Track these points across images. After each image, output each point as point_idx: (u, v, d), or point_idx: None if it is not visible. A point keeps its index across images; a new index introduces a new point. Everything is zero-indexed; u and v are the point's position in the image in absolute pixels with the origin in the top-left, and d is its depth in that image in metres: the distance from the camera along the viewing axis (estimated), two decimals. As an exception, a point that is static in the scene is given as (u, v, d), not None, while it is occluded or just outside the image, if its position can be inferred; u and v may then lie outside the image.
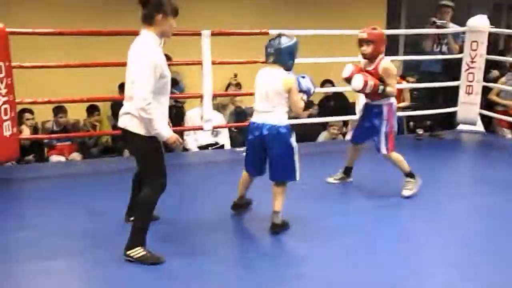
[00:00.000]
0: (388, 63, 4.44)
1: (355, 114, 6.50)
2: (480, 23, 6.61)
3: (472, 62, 6.65)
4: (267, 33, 5.75)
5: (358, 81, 4.34)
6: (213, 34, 5.55)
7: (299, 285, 3.15)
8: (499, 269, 3.37)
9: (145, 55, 3.12)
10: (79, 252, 3.51)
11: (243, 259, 3.51)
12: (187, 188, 4.77)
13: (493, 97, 7.20)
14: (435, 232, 3.92)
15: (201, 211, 4.23)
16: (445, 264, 3.43)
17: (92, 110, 6.82)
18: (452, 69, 6.72)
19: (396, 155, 4.59)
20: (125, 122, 3.30)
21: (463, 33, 6.63)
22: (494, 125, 7.30)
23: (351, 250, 3.59)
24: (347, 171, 4.99)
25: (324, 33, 6.37)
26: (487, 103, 7.26)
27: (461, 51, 6.65)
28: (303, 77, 3.86)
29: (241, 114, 7.33)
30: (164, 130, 3.23)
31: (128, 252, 3.30)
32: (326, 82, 7.98)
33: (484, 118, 7.16)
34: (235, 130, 7.04)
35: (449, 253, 3.61)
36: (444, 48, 6.52)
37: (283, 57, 3.69)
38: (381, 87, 4.36)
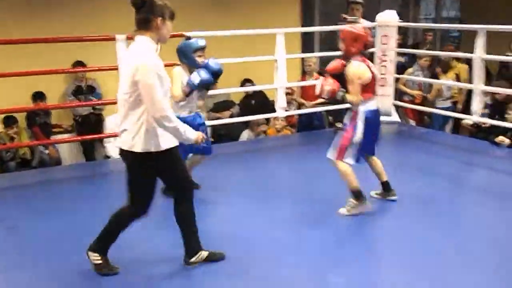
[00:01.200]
0: (351, 68, 3.98)
1: (275, 111, 6.60)
2: (389, 18, 6.89)
3: (384, 55, 6.92)
4: (182, 35, 5.72)
5: (317, 86, 4.16)
6: (128, 38, 5.44)
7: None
8: (423, 257, 3.53)
9: (148, 65, 2.89)
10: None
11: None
12: (111, 195, 4.66)
13: (400, 86, 7.54)
14: (359, 222, 4.05)
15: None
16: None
17: (9, 122, 6.49)
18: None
19: (343, 167, 4.10)
20: (128, 142, 3.02)
21: (374, 28, 6.88)
22: (400, 115, 7.62)
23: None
24: (385, 186, 4.46)
25: (239, 33, 6.42)
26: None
27: (372, 45, 6.89)
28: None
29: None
30: (190, 133, 3.09)
31: (191, 260, 3.31)
32: (247, 82, 8.06)
33: (398, 108, 7.48)
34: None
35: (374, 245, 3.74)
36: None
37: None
38: (340, 93, 4.04)
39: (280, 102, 6.44)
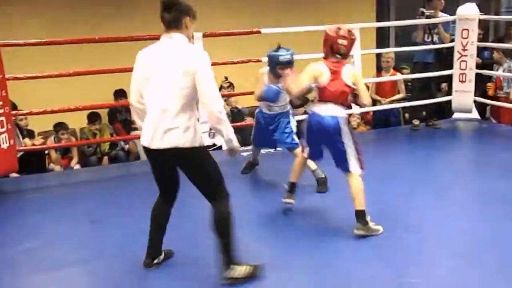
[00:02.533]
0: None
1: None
2: (469, 11, 6.64)
3: (464, 50, 6.68)
4: (259, 32, 5.77)
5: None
6: (204, 36, 5.56)
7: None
8: (505, 258, 3.39)
9: (201, 57, 2.93)
10: (82, 261, 3.52)
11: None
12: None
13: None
14: (442, 220, 3.94)
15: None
16: (450, 253, 3.46)
17: (93, 118, 6.80)
18: (445, 58, 6.75)
19: (298, 159, 4.15)
20: (174, 140, 2.94)
21: (454, 22, 6.66)
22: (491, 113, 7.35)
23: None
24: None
25: (313, 29, 6.34)
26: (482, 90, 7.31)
27: (452, 40, 6.68)
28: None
29: (238, 114, 7.35)
30: (234, 136, 3.06)
31: (230, 276, 3.07)
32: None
33: (479, 105, 7.21)
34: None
35: (456, 241, 3.63)
36: (436, 38, 6.54)
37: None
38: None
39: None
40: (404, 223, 3.90)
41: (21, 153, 5.58)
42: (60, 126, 6.40)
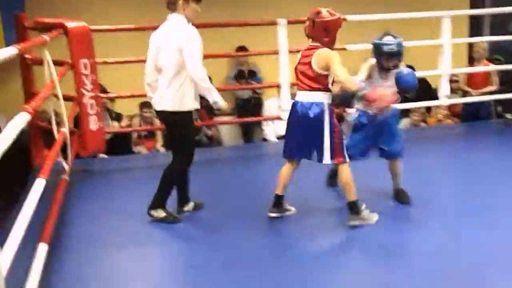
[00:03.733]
0: None
1: (437, 99, 6.28)
2: None
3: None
4: (345, 20, 5.64)
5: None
6: (289, 23, 5.51)
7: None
8: None
9: (186, 35, 3.51)
10: (163, 240, 3.62)
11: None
12: (267, 178, 4.78)
13: None
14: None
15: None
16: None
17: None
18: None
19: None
20: (164, 104, 3.64)
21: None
22: None
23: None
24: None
25: (400, 17, 6.16)
26: None
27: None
28: None
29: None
30: (218, 96, 3.61)
31: (151, 212, 3.77)
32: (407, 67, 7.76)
33: None
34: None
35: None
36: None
37: None
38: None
39: (444, 89, 6.11)
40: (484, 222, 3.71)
41: (109, 135, 5.80)
42: (145, 104, 6.55)
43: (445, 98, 6.21)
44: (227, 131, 7.29)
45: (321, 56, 3.50)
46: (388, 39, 3.83)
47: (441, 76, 6.13)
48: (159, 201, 3.76)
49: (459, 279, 2.98)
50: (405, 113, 6.98)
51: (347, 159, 3.61)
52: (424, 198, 4.06)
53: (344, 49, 5.67)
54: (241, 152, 6.16)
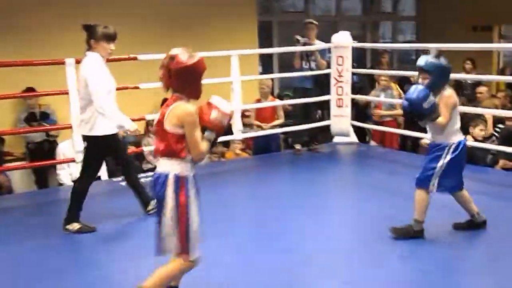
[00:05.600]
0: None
1: (232, 134, 6.52)
2: (343, 39, 6.93)
3: (340, 76, 6.94)
4: (135, 59, 5.64)
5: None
6: (77, 62, 5.31)
7: None
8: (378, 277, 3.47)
9: (89, 69, 4.10)
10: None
11: None
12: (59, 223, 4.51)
13: (377, 111, 7.52)
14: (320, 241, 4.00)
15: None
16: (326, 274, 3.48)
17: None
18: (322, 84, 6.97)
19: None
20: (81, 129, 4.35)
21: (329, 49, 6.91)
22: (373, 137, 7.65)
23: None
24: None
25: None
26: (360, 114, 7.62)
27: (328, 66, 6.91)
28: None
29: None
30: (125, 121, 4.14)
31: (66, 227, 4.22)
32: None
33: (357, 129, 7.49)
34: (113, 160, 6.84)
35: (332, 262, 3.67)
36: (313, 65, 6.75)
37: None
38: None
39: (237, 124, 6.38)
40: (281, 246, 3.91)
41: None
42: None
43: (239, 133, 6.49)
44: (20, 177, 6.80)
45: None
46: (424, 56, 3.88)
47: (234, 112, 6.39)
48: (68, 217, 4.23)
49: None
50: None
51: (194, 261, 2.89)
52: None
53: (138, 87, 5.66)
54: (34, 199, 5.74)
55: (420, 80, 3.85)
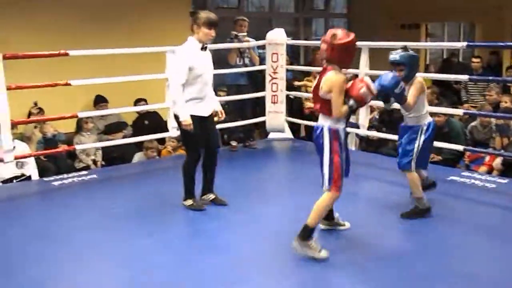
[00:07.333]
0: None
1: (168, 131, 6.47)
2: (277, 36, 7.01)
3: (275, 73, 7.02)
4: (67, 54, 5.49)
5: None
6: (5, 58, 5.13)
7: None
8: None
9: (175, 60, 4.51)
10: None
11: None
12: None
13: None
14: (248, 239, 4.04)
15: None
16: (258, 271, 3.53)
17: None
18: (257, 80, 7.03)
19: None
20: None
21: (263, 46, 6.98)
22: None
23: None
24: None
25: (123, 52, 6.22)
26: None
27: (261, 62, 6.97)
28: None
29: (51, 141, 6.92)
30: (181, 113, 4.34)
31: (183, 203, 4.52)
32: (140, 101, 7.90)
33: (293, 124, 7.62)
34: (44, 159, 6.67)
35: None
36: (247, 61, 6.79)
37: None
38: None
39: (172, 121, 6.31)
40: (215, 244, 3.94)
41: None
42: None
43: (174, 130, 6.43)
44: None
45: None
46: (395, 52, 4.17)
47: (170, 109, 6.32)
48: (184, 193, 4.53)
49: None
50: (139, 147, 7.08)
51: (340, 192, 3.64)
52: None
53: (69, 84, 5.52)
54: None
55: (397, 73, 4.10)
